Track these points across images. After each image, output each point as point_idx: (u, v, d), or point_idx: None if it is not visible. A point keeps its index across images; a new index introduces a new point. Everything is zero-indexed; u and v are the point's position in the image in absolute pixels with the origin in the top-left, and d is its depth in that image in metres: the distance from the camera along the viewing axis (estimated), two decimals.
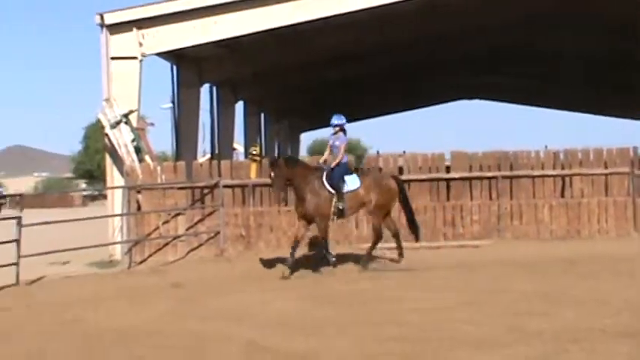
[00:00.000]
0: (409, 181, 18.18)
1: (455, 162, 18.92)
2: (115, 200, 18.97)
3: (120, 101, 19.11)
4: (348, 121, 15.51)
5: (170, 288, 13.85)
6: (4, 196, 51.07)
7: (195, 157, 24.89)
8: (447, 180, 18.70)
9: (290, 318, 10.43)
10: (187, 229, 18.19)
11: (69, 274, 16.20)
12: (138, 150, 18.80)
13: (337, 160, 15.04)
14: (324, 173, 14.93)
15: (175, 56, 23.41)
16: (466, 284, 12.83)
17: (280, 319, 10.38)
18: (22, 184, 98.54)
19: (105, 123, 19.17)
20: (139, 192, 18.32)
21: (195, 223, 18.23)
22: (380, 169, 18.09)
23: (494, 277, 13.51)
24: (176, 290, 13.59)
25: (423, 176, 18.66)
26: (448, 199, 18.62)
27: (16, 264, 15.06)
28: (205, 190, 18.33)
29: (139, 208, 18.28)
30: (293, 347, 8.66)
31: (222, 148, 30.36)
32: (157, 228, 18.09)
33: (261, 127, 40.90)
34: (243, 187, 18.38)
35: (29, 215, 15.86)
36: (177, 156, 24.90)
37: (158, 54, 21.01)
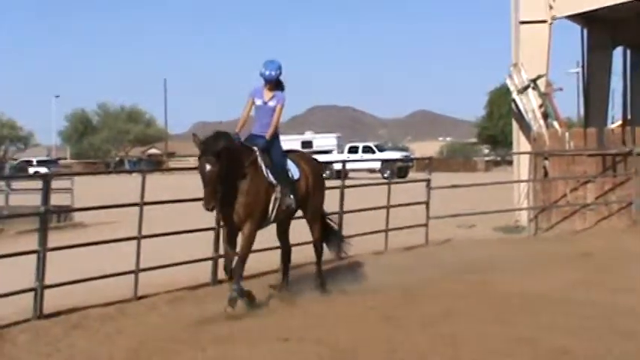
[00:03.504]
0: None
1: None
2: (521, 166, 19.06)
3: (527, 66, 19.06)
4: None
5: (579, 257, 13.59)
6: (411, 159, 53.59)
7: (605, 124, 24.08)
8: None
9: None
10: (597, 198, 17.76)
11: (475, 238, 16.64)
12: (546, 116, 18.68)
13: (272, 129, 10.15)
14: (258, 153, 9.94)
15: (586, 18, 22.71)
16: None
17: None
18: (427, 148, 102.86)
19: (512, 88, 19.28)
20: (546, 158, 18.25)
21: (606, 192, 17.73)
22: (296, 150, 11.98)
23: None
24: (585, 259, 13.32)
25: None
26: None
27: (426, 225, 15.85)
28: (617, 158, 17.72)
29: (545, 174, 18.23)
30: None
31: (635, 115, 28.94)
32: (565, 195, 17.90)
33: None
34: None
35: (436, 178, 16.52)
36: (586, 122, 24.27)
37: (568, 17, 20.57)
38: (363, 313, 9.41)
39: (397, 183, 20.04)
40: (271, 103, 10.14)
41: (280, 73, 10.16)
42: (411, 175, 47.10)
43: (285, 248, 10.94)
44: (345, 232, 13.93)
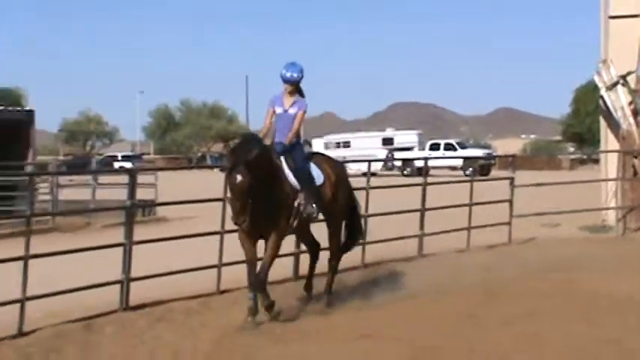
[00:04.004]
0: None
1: None
2: (609, 164, 18.66)
3: (617, 62, 18.61)
4: None
5: None
6: (494, 157, 52.98)
7: None
8: None
9: None
10: None
11: (560, 237, 16.35)
12: (636, 113, 18.22)
13: (291, 135, 9.50)
14: (282, 157, 9.40)
15: None
16: None
17: None
18: (510, 145, 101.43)
19: (600, 85, 18.86)
20: (635, 157, 17.82)
21: None
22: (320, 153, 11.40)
23: None
24: None
25: None
26: None
27: (509, 223, 15.66)
28: None
29: (635, 173, 17.80)
30: None
31: None
32: None
33: None
34: None
35: (519, 176, 16.30)
36: None
37: None
38: (445, 311, 9.38)
39: (480, 181, 19.85)
40: (292, 111, 9.58)
41: (302, 77, 9.65)
42: (494, 173, 46.48)
43: (314, 250, 10.32)
44: (426, 229, 13.96)
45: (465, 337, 8.18)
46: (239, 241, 9.30)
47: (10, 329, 8.57)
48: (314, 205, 9.43)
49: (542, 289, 10.43)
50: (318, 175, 9.73)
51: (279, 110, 9.62)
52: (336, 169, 10.24)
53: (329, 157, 10.74)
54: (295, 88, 9.63)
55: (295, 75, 9.56)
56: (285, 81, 9.57)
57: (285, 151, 9.38)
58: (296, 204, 9.29)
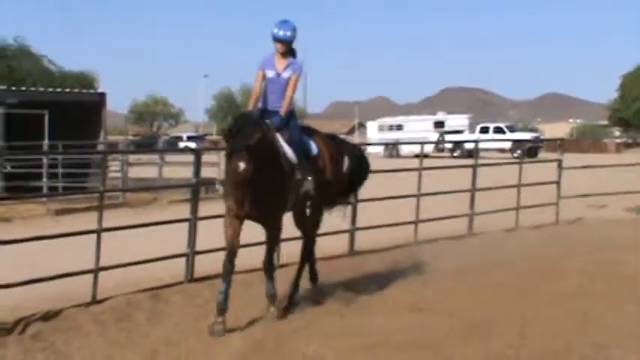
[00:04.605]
0: None
1: None
2: None
3: None
4: None
5: None
6: (542, 140, 52.23)
7: None
8: None
9: None
10: None
11: (607, 218, 16.06)
12: None
13: (287, 103, 8.43)
14: (276, 130, 8.17)
15: None
16: None
17: None
18: (557, 129, 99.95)
19: None
20: None
21: None
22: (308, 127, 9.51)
23: None
24: None
25: None
26: None
27: (556, 204, 15.43)
28: None
29: None
30: None
31: None
32: None
33: None
34: None
35: (567, 159, 16.06)
36: None
37: None
38: (494, 288, 9.27)
39: (529, 162, 19.55)
40: (285, 75, 8.43)
41: (295, 36, 8.45)
42: (542, 155, 45.84)
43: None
44: (476, 209, 13.85)
45: (515, 314, 8.04)
46: (224, 225, 8.06)
47: (85, 297, 8.77)
48: (310, 179, 8.37)
49: (590, 268, 10.20)
50: (312, 147, 8.67)
51: (270, 74, 8.47)
52: (328, 142, 9.03)
53: (327, 134, 9.46)
54: (288, 48, 8.48)
55: (288, 33, 8.40)
56: (277, 40, 8.41)
57: (281, 123, 8.28)
58: (295, 179, 8.23)
